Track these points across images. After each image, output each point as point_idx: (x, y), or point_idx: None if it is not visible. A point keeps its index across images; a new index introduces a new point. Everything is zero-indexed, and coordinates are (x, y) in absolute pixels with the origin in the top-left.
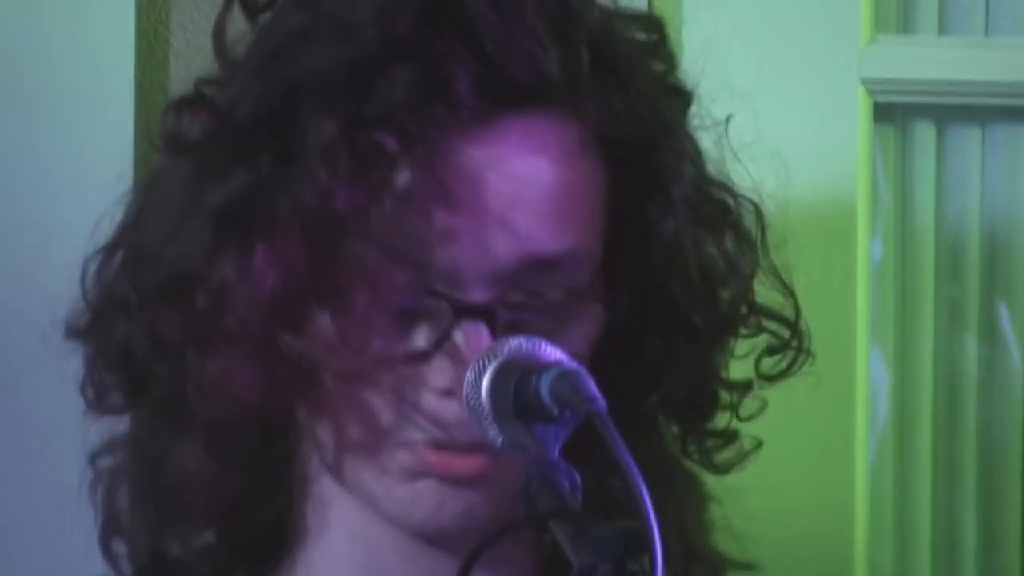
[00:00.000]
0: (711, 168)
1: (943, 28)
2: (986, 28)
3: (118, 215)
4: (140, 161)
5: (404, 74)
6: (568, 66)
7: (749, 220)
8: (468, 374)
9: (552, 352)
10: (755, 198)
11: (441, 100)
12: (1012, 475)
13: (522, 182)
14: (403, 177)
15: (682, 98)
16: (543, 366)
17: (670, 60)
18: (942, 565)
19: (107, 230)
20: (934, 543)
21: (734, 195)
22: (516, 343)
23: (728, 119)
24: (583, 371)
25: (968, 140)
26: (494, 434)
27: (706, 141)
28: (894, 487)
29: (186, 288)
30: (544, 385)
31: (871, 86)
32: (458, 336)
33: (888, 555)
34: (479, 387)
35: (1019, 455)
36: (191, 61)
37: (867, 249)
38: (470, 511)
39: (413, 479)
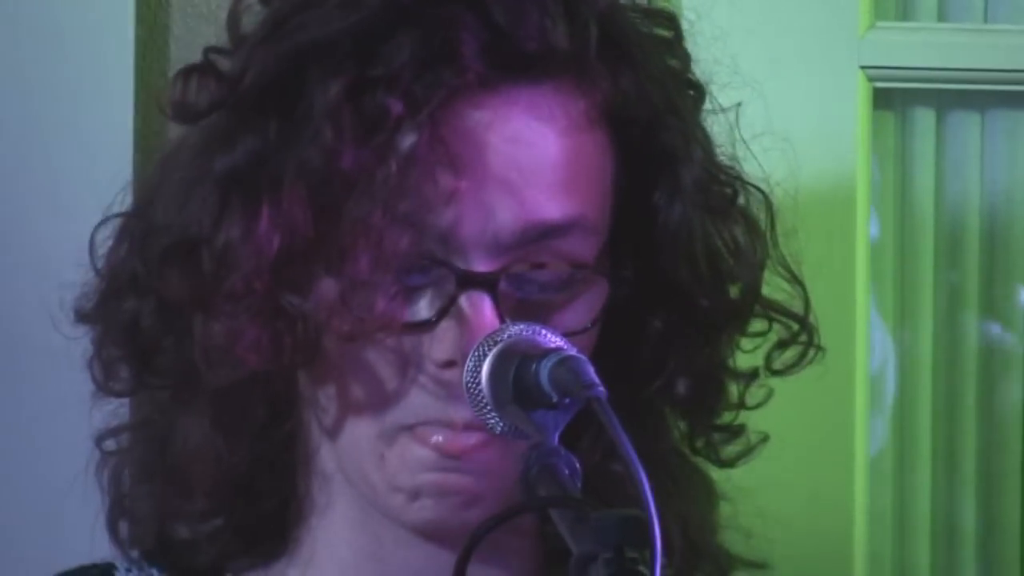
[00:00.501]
0: (721, 155)
1: (942, 15)
2: (985, 15)
3: (124, 201)
4: (140, 145)
5: (410, 38)
6: (576, 39)
7: (758, 209)
8: (468, 361)
9: (552, 338)
10: (764, 187)
11: (447, 64)
12: (1012, 459)
13: (527, 148)
14: (408, 140)
15: (695, 91)
16: (543, 352)
17: (684, 56)
18: (941, 551)
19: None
20: (933, 528)
21: (744, 183)
22: (516, 329)
23: (738, 107)
24: (583, 357)
25: (967, 126)
26: (494, 421)
27: (714, 128)
28: (894, 471)
29: (192, 251)
30: (544, 371)
31: (871, 72)
32: (461, 306)
33: (888, 540)
34: (479, 373)
35: (1019, 438)
36: (191, 47)
37: (866, 234)
38: (472, 503)
39: (416, 470)
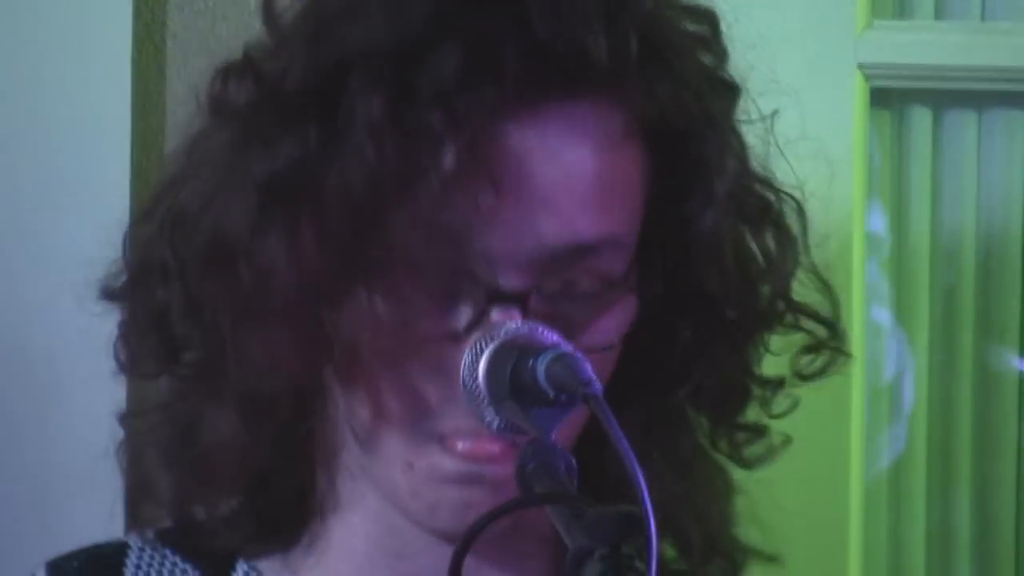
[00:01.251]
0: (755, 164)
1: (939, 13)
2: (982, 13)
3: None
4: (138, 142)
5: (453, 53)
6: (615, 54)
7: (791, 217)
8: (465, 356)
9: (549, 335)
10: (797, 195)
11: (490, 81)
12: (1007, 464)
13: (564, 167)
14: (449, 157)
15: (729, 91)
16: (539, 349)
17: (721, 53)
18: (936, 552)
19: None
20: (928, 530)
21: (776, 192)
22: (513, 326)
23: (775, 114)
24: (579, 354)
25: (964, 125)
26: (490, 417)
27: (750, 136)
28: (889, 474)
29: (229, 259)
30: (540, 368)
31: (868, 71)
32: (492, 319)
33: (883, 541)
34: (476, 370)
35: (1014, 443)
36: (189, 44)
37: (863, 234)
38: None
39: (440, 482)
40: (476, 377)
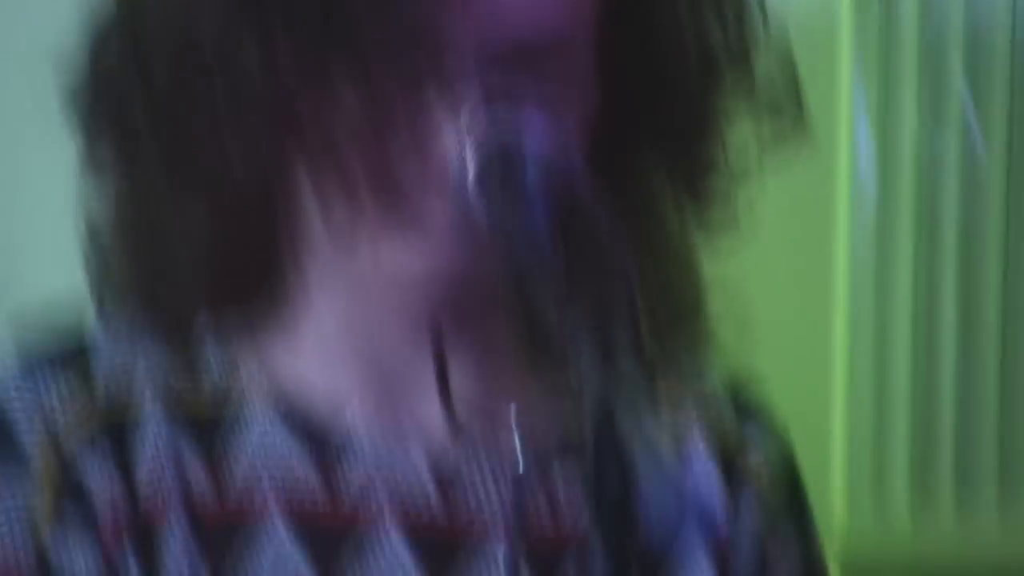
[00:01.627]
0: None
1: None
2: None
3: None
4: None
5: None
6: None
7: (755, 9)
8: (453, 162)
9: (537, 134)
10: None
11: None
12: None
13: None
14: None
15: None
16: (528, 150)
17: None
18: (923, 323)
19: None
20: (915, 294)
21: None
22: (502, 129)
23: None
24: (567, 153)
25: None
26: (479, 218)
27: None
28: (877, 247)
29: (202, 62)
30: (528, 166)
31: None
32: (478, 121)
33: (870, 305)
34: (465, 174)
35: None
36: None
37: (850, 41)
38: (465, 313)
39: (407, 283)
40: (465, 181)
